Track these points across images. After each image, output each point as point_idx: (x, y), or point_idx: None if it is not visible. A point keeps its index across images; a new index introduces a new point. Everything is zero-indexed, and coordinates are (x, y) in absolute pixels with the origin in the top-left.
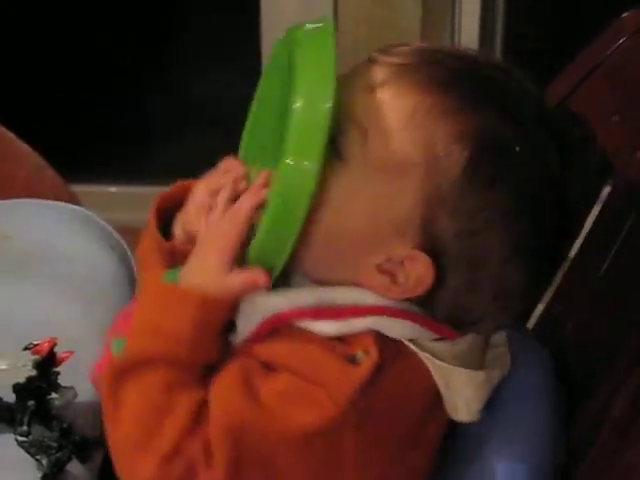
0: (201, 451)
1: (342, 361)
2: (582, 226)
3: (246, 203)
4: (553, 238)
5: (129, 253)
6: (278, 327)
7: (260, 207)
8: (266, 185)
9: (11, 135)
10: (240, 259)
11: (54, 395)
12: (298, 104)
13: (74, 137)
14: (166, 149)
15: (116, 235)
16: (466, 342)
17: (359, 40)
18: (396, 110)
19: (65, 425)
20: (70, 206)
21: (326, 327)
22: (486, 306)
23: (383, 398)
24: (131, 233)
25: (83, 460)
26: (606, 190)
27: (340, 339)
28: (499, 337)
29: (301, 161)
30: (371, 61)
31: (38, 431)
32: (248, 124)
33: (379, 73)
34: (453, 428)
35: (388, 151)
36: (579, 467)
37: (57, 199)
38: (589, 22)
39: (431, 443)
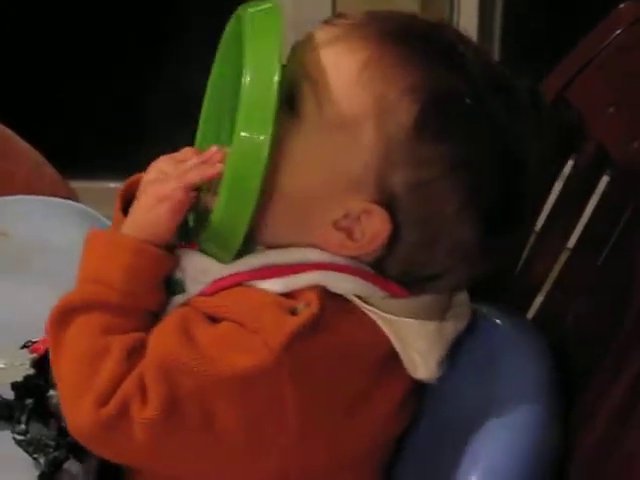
0: (136, 389)
1: (282, 311)
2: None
3: (200, 171)
4: (505, 191)
5: None
6: (226, 287)
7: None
8: (220, 157)
9: (10, 133)
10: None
11: (52, 393)
12: (247, 78)
13: (73, 133)
14: (164, 145)
15: None
16: (420, 301)
17: None
18: (347, 64)
19: (63, 424)
20: (68, 202)
21: (272, 284)
22: (442, 261)
23: (322, 349)
24: None
25: (81, 459)
26: (604, 181)
27: (287, 295)
28: (459, 298)
29: (253, 133)
30: (326, 23)
31: (36, 429)
32: (203, 111)
33: (331, 32)
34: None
35: (341, 106)
36: (579, 455)
37: (56, 195)
38: (588, 12)
39: (390, 399)
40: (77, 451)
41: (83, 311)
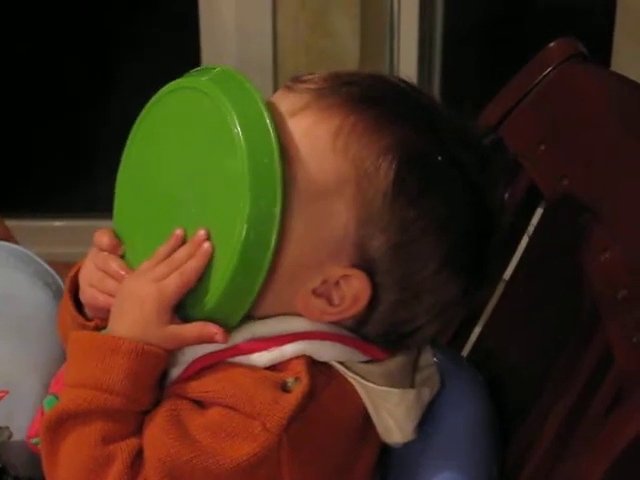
0: None
1: (274, 389)
2: (515, 247)
3: (195, 264)
4: (483, 242)
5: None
6: (208, 365)
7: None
8: (207, 240)
9: None
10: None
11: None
12: (244, 152)
13: (10, 171)
14: (106, 182)
15: (52, 272)
16: (395, 363)
17: (299, 69)
18: (320, 134)
19: (0, 465)
20: (3, 243)
21: (257, 358)
22: (422, 317)
23: (315, 423)
24: (69, 268)
25: None
26: (537, 216)
27: (272, 367)
28: (427, 359)
29: (259, 229)
30: (288, 89)
31: None
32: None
33: (298, 99)
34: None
35: (317, 176)
36: None
37: None
38: (523, 50)
39: (367, 467)
40: None
41: (81, 419)
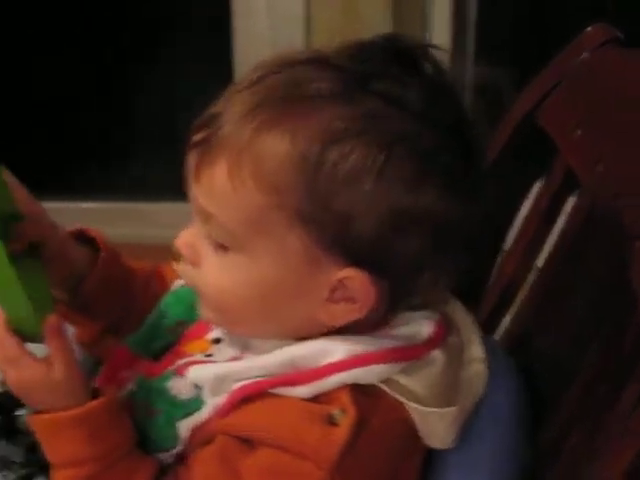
0: None
1: (321, 424)
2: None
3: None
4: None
5: None
6: (250, 397)
7: None
8: None
9: None
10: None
11: (21, 411)
12: None
13: (47, 152)
14: (147, 161)
15: None
16: (438, 363)
17: None
18: (216, 180)
19: (31, 441)
20: None
21: (300, 391)
22: (435, 257)
23: (367, 449)
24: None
25: (49, 476)
26: (570, 202)
27: (315, 398)
28: (475, 351)
29: None
30: (189, 148)
31: (2, 447)
32: None
33: (194, 158)
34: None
35: (238, 218)
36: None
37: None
38: (559, 33)
39: (413, 473)
40: (46, 468)
41: None
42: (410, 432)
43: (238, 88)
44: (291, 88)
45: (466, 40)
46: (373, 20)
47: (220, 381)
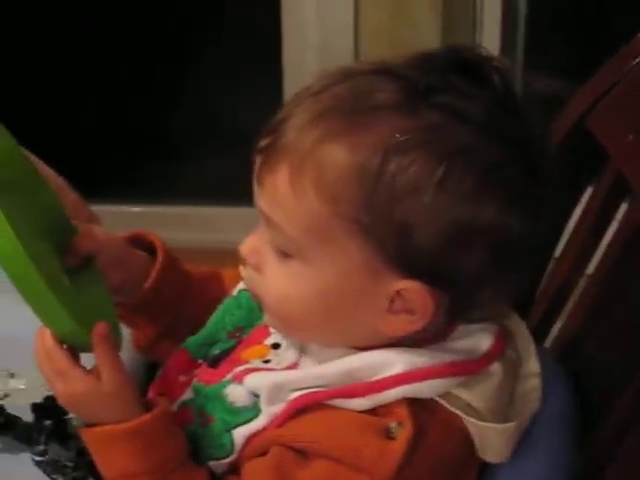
0: None
1: (378, 437)
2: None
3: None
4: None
5: None
6: (307, 407)
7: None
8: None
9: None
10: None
11: (72, 415)
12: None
13: (96, 157)
14: (189, 166)
15: None
16: (495, 377)
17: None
18: (279, 188)
19: (82, 445)
20: None
21: (358, 403)
22: (494, 270)
23: (423, 462)
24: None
25: (100, 479)
26: (622, 209)
27: (372, 410)
28: (531, 366)
29: (16, 271)
30: (255, 153)
31: (55, 450)
32: None
33: (258, 163)
34: None
35: (301, 226)
36: None
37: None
38: (609, 43)
39: None
40: (96, 472)
41: None
42: (467, 446)
43: (303, 96)
44: (355, 98)
45: (516, 43)
46: (423, 25)
47: (277, 390)
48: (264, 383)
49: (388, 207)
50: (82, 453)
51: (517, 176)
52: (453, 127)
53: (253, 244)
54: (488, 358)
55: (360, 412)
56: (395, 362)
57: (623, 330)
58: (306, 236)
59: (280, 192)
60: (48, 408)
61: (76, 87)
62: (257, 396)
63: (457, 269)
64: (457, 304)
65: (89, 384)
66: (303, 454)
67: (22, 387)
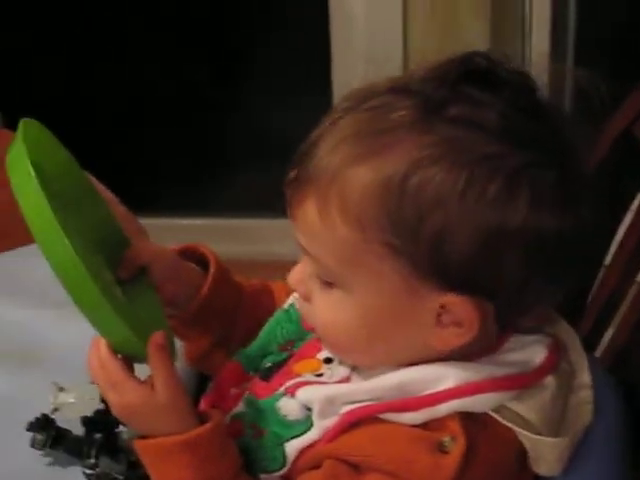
0: None
1: (431, 452)
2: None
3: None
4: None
5: None
6: (360, 421)
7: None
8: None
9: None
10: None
11: (122, 428)
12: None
13: (145, 172)
14: (236, 181)
15: None
16: (549, 389)
17: None
18: (310, 217)
19: (133, 458)
20: None
21: (410, 417)
22: (536, 273)
23: (476, 475)
24: None
25: None
26: None
27: (425, 424)
28: (583, 377)
29: (71, 280)
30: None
31: (105, 464)
32: None
33: (289, 195)
34: None
35: (335, 255)
36: None
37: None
38: None
39: None
40: None
41: None
42: (519, 459)
43: (325, 123)
44: (372, 121)
45: (567, 46)
46: (471, 30)
47: (329, 403)
48: (316, 396)
49: (415, 225)
50: (133, 466)
51: (544, 175)
52: (470, 137)
53: (299, 275)
54: (542, 371)
55: (412, 426)
56: (447, 376)
57: None
58: (341, 264)
59: (310, 224)
60: (98, 421)
61: (131, 103)
62: (309, 409)
63: (495, 276)
64: (502, 312)
65: (143, 395)
66: (356, 468)
67: (72, 401)
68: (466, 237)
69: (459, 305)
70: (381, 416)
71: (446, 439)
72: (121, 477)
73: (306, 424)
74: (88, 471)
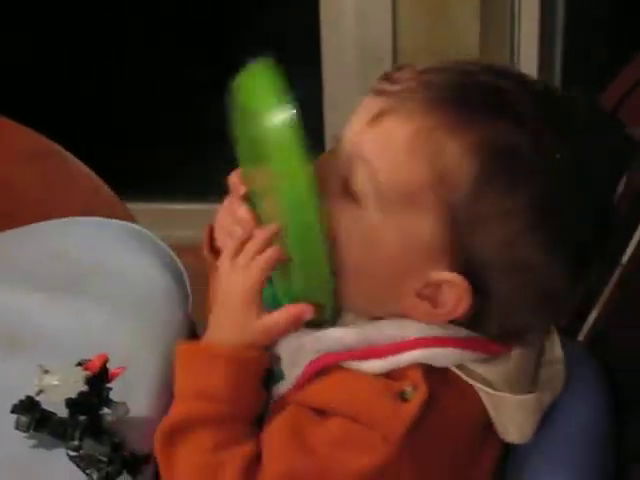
0: None
1: (392, 399)
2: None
3: (265, 257)
4: (585, 227)
5: (183, 271)
6: (325, 369)
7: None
8: (277, 232)
9: (68, 155)
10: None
11: (106, 410)
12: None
13: (129, 155)
14: (222, 166)
15: (170, 253)
16: (516, 360)
17: (417, 55)
18: (397, 139)
19: (117, 440)
20: (125, 223)
21: (373, 366)
22: (533, 310)
23: (435, 429)
24: (189, 251)
25: (134, 474)
26: None
27: (388, 374)
28: (554, 352)
29: (302, 215)
30: (373, 93)
31: (89, 446)
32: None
33: (380, 104)
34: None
35: (397, 181)
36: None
37: (112, 217)
38: None
39: (486, 467)
40: (130, 466)
41: (189, 430)
42: (481, 420)
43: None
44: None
45: (554, 39)
46: (460, 18)
47: (296, 352)
48: (284, 346)
49: (475, 209)
50: (116, 448)
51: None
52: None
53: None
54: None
55: (376, 375)
56: (411, 329)
57: None
58: (395, 191)
59: (396, 141)
60: (82, 404)
61: (113, 89)
62: (280, 359)
63: (497, 288)
64: (481, 317)
65: (252, 307)
66: (319, 413)
67: (56, 383)
68: (498, 246)
69: (454, 289)
70: (345, 365)
71: (408, 388)
72: (105, 459)
73: (280, 374)
74: (72, 453)
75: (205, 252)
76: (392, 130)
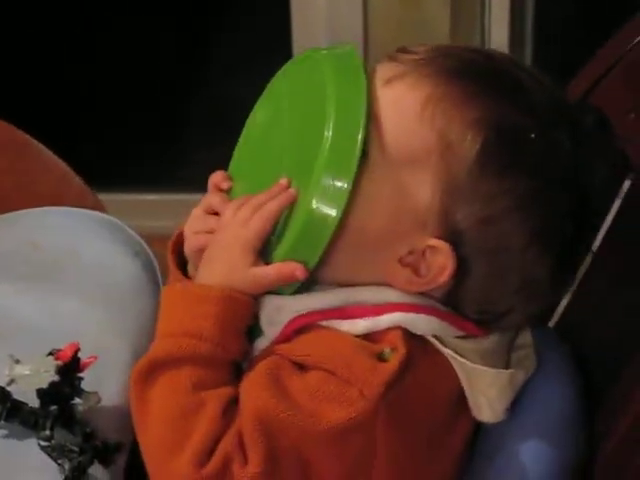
0: (236, 446)
1: (371, 358)
2: (604, 219)
3: (274, 204)
4: (572, 223)
5: (154, 260)
6: (305, 327)
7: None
8: (289, 186)
9: (37, 144)
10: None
11: (77, 400)
12: (331, 125)
13: (100, 145)
14: (194, 154)
15: (141, 241)
16: (491, 342)
17: (389, 41)
18: (410, 102)
19: (88, 430)
20: (96, 213)
21: (353, 326)
22: (512, 296)
23: (411, 393)
24: (160, 241)
25: (106, 464)
26: (626, 185)
27: (367, 336)
28: (525, 338)
29: (335, 179)
30: (390, 58)
31: (61, 435)
32: (240, 141)
33: (395, 68)
34: (478, 428)
35: (403, 144)
36: (597, 462)
37: (82, 207)
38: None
39: (458, 444)
40: (102, 456)
41: (171, 366)
42: (455, 392)
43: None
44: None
45: (524, 23)
46: (431, 8)
47: (275, 311)
48: (264, 304)
49: (472, 183)
50: (88, 438)
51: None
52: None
53: None
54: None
55: (356, 336)
56: (392, 295)
57: (627, 311)
58: (402, 151)
59: (407, 105)
60: (53, 394)
61: (84, 76)
62: (258, 317)
63: (475, 267)
64: (459, 297)
65: (246, 254)
66: (298, 366)
67: (27, 373)
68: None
69: (440, 256)
70: (325, 324)
71: (386, 350)
72: (76, 448)
73: (257, 330)
74: (43, 443)
75: (168, 254)
76: (403, 94)
